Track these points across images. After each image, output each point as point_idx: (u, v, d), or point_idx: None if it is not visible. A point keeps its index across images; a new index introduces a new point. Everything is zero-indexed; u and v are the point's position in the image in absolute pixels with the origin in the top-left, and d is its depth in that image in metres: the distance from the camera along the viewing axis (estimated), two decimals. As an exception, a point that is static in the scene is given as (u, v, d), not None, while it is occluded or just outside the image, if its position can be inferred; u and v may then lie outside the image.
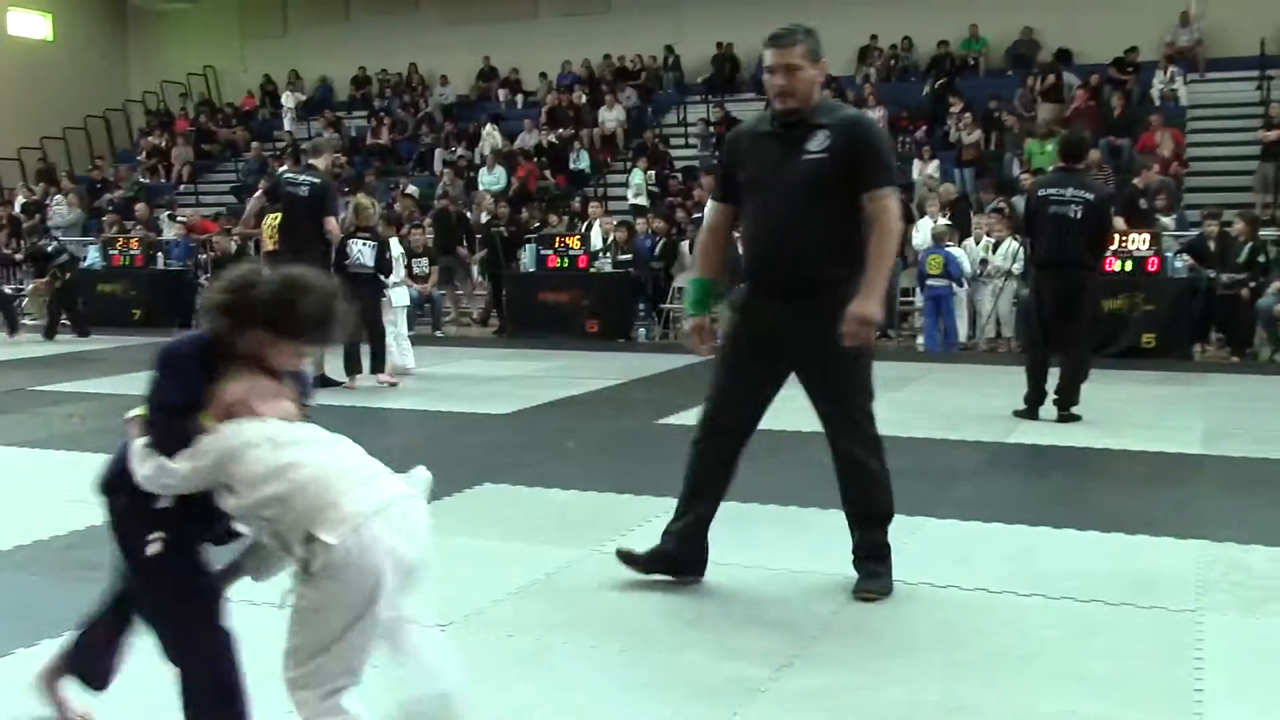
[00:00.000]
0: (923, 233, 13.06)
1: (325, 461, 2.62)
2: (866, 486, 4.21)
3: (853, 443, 4.21)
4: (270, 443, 2.61)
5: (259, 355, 2.72)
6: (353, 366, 9.62)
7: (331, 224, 9.46)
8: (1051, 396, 7.85)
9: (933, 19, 20.45)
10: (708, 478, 4.35)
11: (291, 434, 2.67)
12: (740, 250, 4.41)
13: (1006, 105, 18.17)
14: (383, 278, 9.77)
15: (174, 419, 2.67)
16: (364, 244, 9.60)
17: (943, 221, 13.09)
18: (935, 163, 16.92)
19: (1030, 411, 7.84)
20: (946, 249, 12.36)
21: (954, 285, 12.26)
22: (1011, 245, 12.29)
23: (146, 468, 2.65)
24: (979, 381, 9.81)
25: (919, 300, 12.96)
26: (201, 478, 2.61)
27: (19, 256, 15.70)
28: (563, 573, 4.47)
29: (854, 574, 4.29)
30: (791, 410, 8.17)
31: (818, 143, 4.05)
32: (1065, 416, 7.73)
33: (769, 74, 4.10)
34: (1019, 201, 12.59)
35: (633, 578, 4.35)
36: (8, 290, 17.40)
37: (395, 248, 10.35)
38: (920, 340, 12.87)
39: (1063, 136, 8.50)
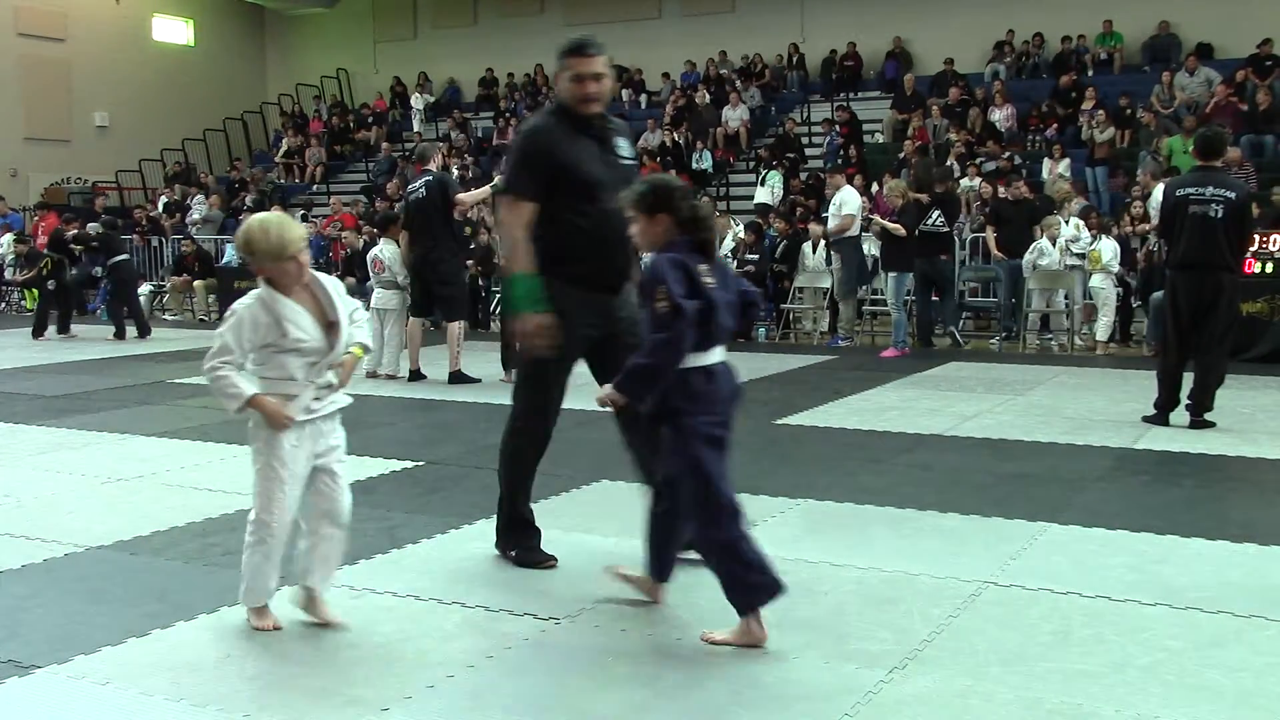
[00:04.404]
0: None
1: None
2: None
3: None
4: None
5: None
6: (509, 361, 9.87)
7: (460, 199, 9.91)
8: (1185, 402, 7.63)
9: (1067, 14, 19.99)
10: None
11: None
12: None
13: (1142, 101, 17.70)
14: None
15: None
16: None
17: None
18: (1066, 161, 16.54)
19: (1161, 417, 7.62)
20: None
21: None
22: (1112, 244, 12.10)
23: None
24: (1108, 385, 9.57)
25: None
26: None
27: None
28: (677, 569, 4.49)
29: (971, 578, 4.31)
30: (911, 413, 8.13)
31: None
32: (1198, 423, 7.50)
33: (594, 81, 4.32)
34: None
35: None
36: (148, 288, 18.12)
37: (390, 248, 10.47)
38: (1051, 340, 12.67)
39: (1199, 134, 8.21)
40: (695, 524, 3.70)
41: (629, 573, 4.08)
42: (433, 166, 10.10)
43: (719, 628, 3.74)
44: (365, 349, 3.94)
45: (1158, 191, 11.94)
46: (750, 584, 3.63)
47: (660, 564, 3.94)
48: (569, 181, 4.27)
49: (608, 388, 3.75)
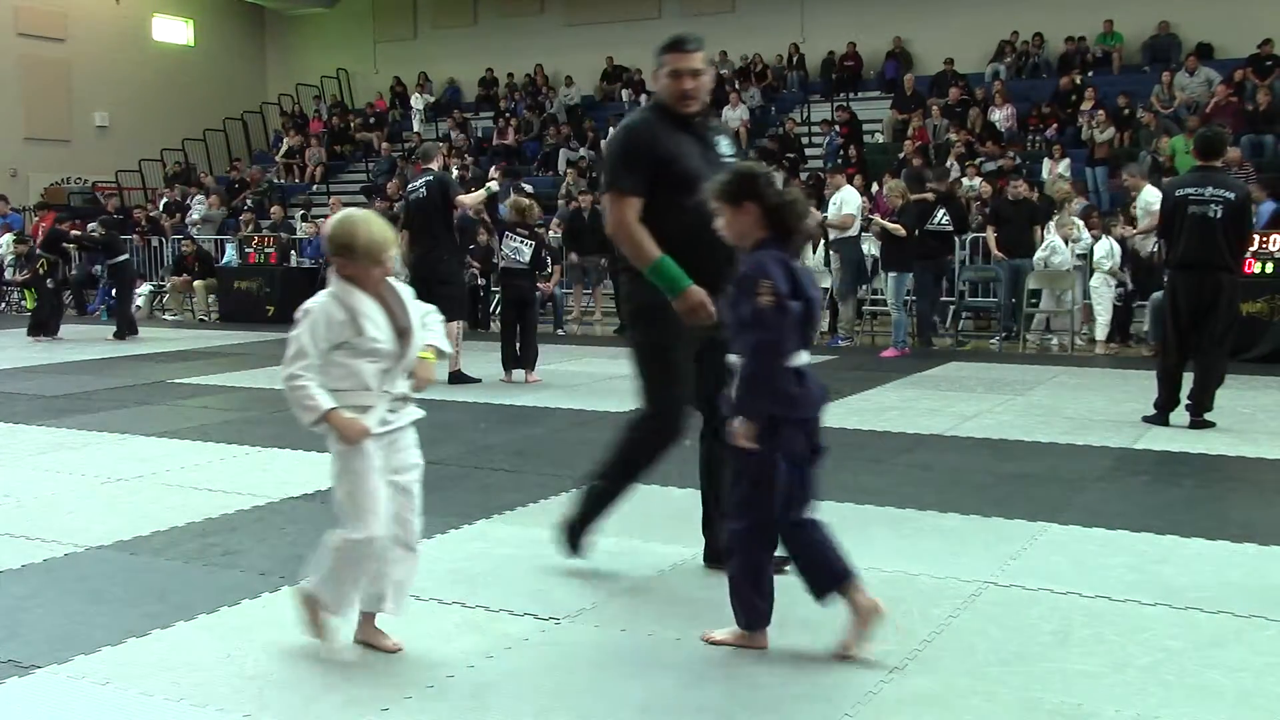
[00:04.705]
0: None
1: None
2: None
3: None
4: None
5: None
6: (509, 362, 9.99)
7: (460, 200, 9.91)
8: (1185, 402, 7.62)
9: (1067, 14, 19.99)
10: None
11: None
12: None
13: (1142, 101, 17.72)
14: (538, 272, 10.05)
15: None
16: (521, 241, 9.87)
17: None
18: (1066, 161, 16.54)
19: (1161, 417, 7.62)
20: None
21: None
22: (1106, 244, 12.12)
23: None
24: (1108, 385, 9.57)
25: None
26: None
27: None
28: (677, 570, 4.50)
29: (971, 578, 4.30)
30: (911, 413, 8.13)
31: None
32: (1198, 423, 7.50)
33: (691, 77, 4.26)
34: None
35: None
36: (148, 288, 18.14)
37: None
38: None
39: (1199, 134, 8.21)
40: (734, 522, 3.57)
41: (850, 647, 3.61)
42: (434, 166, 10.12)
43: (717, 627, 3.74)
44: (439, 352, 3.71)
45: (1147, 191, 12.08)
46: (754, 607, 3.59)
47: (830, 573, 3.61)
48: (670, 176, 4.13)
49: (737, 423, 3.49)
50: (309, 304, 3.54)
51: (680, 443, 4.32)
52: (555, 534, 4.54)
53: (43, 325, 14.34)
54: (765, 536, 3.54)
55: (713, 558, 4.42)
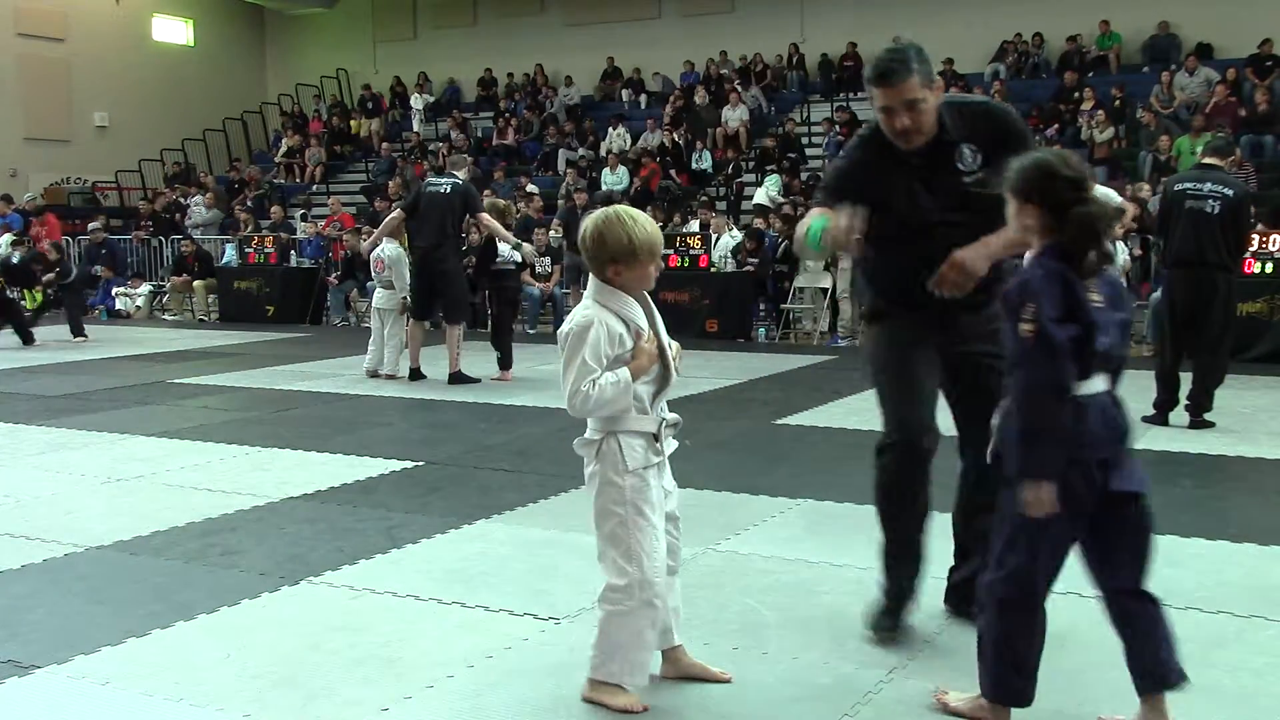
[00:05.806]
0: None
1: None
2: None
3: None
4: None
5: None
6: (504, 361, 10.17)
7: (486, 218, 9.91)
8: (1184, 402, 7.62)
9: (1067, 14, 20.00)
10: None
11: None
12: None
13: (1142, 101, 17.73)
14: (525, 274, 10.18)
15: None
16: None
17: None
18: (1066, 161, 16.54)
19: (1160, 417, 7.62)
20: None
21: None
22: None
23: None
24: (1108, 385, 9.56)
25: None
26: None
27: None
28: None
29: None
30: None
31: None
32: (1197, 423, 7.49)
33: (906, 111, 3.55)
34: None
35: (748, 578, 4.36)
36: (147, 288, 18.15)
37: (392, 248, 10.51)
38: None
39: (1211, 139, 8.20)
40: (990, 573, 3.02)
41: (955, 702, 3.23)
42: (461, 174, 10.20)
43: (716, 626, 3.72)
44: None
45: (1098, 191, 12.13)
46: (1006, 681, 3.05)
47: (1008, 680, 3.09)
48: (874, 209, 3.58)
49: (1026, 491, 2.86)
50: (579, 321, 3.13)
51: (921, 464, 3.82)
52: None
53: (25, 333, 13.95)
54: (1021, 596, 3.00)
55: (957, 599, 3.98)
